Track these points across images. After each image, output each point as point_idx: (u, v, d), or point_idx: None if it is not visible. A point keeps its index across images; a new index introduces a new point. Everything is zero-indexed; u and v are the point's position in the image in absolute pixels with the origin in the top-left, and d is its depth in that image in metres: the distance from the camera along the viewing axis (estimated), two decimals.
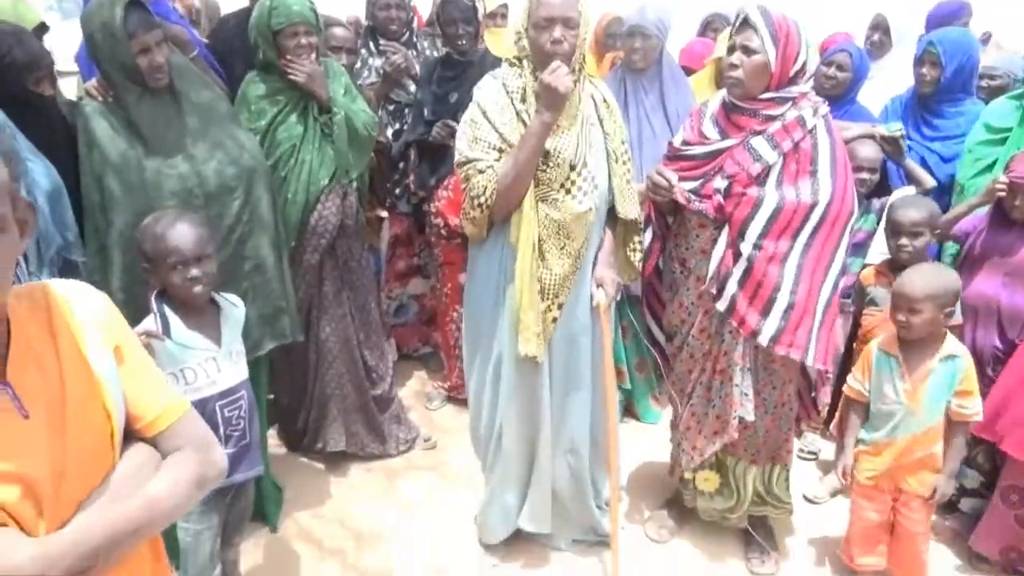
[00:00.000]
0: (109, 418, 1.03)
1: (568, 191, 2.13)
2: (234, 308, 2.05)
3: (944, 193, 3.14)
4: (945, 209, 2.94)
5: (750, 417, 2.35)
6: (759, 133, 2.16)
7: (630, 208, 2.30)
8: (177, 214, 1.94)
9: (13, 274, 0.91)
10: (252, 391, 2.10)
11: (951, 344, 2.27)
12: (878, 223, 2.95)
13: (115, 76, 2.10)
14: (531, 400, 2.33)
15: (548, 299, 2.19)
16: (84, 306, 1.05)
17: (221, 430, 1.96)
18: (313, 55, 2.58)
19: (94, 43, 2.08)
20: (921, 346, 2.27)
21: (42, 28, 2.98)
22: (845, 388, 2.47)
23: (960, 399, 2.26)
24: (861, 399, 2.41)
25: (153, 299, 1.91)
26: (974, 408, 2.27)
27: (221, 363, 1.96)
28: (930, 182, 3.11)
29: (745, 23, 2.11)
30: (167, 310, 1.90)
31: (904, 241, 2.64)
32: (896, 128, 3.04)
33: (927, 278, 2.25)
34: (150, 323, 1.87)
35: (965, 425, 2.30)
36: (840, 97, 3.23)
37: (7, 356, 0.94)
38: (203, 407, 1.88)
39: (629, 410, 3.52)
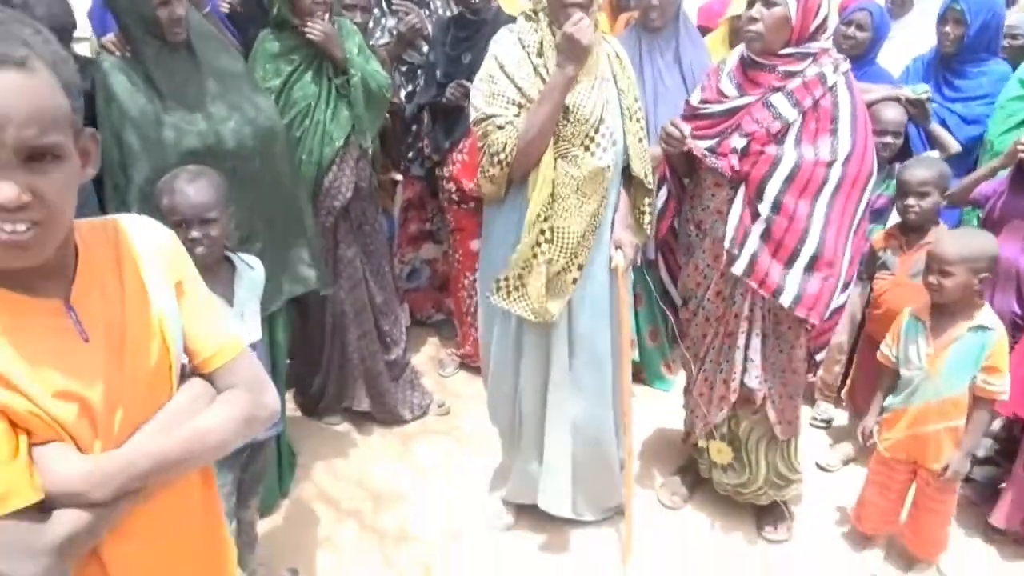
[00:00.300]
0: (168, 351, 1.07)
1: (587, 148, 2.11)
2: (250, 269, 2.05)
3: (966, 156, 3.09)
4: (967, 171, 2.89)
5: (753, 384, 2.35)
6: (778, 90, 2.14)
7: (641, 166, 2.27)
8: (193, 174, 1.93)
9: (76, 200, 0.94)
10: (268, 352, 2.10)
11: (986, 316, 2.21)
12: None
13: (134, 29, 2.10)
14: (547, 367, 2.32)
15: (566, 258, 2.16)
16: (150, 240, 1.09)
17: None
18: (327, 14, 2.55)
19: None
20: (952, 312, 2.23)
21: None
22: (878, 354, 2.43)
23: (986, 374, 2.19)
24: (890, 364, 2.39)
25: None
26: (1000, 386, 2.20)
27: (232, 323, 1.95)
28: (955, 147, 3.06)
29: None
30: None
31: (911, 201, 2.61)
32: (922, 90, 2.99)
33: (962, 240, 2.21)
34: None
35: (989, 403, 2.23)
36: (859, 57, 3.18)
37: (73, 281, 0.99)
38: None
39: (638, 376, 3.51)
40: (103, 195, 2.18)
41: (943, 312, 2.24)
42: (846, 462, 3.03)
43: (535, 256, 2.13)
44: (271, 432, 2.12)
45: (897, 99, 2.98)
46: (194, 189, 1.88)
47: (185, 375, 1.12)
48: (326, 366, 3.06)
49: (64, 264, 0.98)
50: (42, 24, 0.94)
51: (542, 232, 2.12)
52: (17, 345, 0.93)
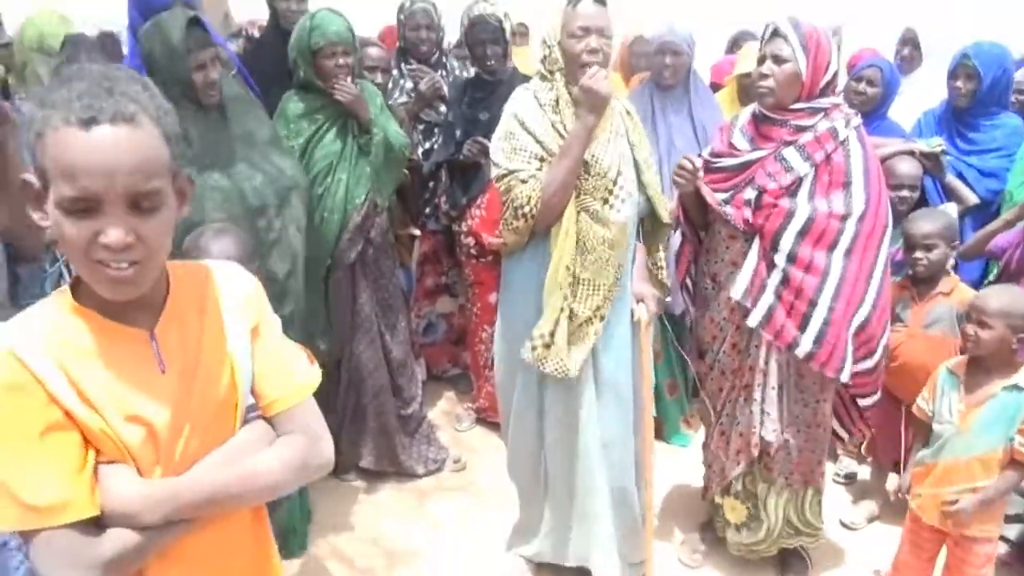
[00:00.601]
0: (235, 389, 1.14)
1: (606, 201, 2.16)
2: None
3: (985, 208, 3.10)
4: (985, 223, 2.89)
5: (769, 437, 2.34)
6: (790, 144, 2.18)
7: (665, 212, 2.33)
8: (217, 231, 1.99)
9: (171, 239, 1.05)
10: None
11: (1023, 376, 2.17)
12: None
13: (170, 91, 2.18)
14: (574, 421, 2.32)
15: (591, 311, 2.18)
16: (235, 286, 1.18)
17: None
18: (350, 76, 2.66)
19: (152, 58, 2.18)
20: (988, 369, 2.19)
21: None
22: (914, 408, 2.40)
23: (1023, 437, 2.12)
24: (925, 418, 2.35)
25: None
26: None
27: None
28: (972, 199, 3.08)
29: (775, 33, 2.16)
30: None
31: (919, 255, 2.61)
32: (936, 143, 3.03)
33: (1007, 294, 2.19)
34: None
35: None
36: (871, 113, 3.24)
37: (160, 314, 1.08)
38: None
39: (657, 432, 3.46)
40: None
41: (979, 368, 2.21)
42: (871, 520, 2.98)
43: (562, 310, 2.16)
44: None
45: (911, 153, 3.01)
46: (218, 247, 1.93)
47: (248, 419, 1.18)
48: (340, 420, 3.07)
49: (155, 298, 1.08)
50: None
51: (569, 285, 2.15)
52: (103, 368, 1.02)
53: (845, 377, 2.24)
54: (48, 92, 0.96)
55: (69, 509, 0.98)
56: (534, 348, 2.19)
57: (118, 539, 1.01)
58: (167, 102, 1.04)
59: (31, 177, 0.98)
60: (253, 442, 1.15)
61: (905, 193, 2.94)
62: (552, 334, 2.17)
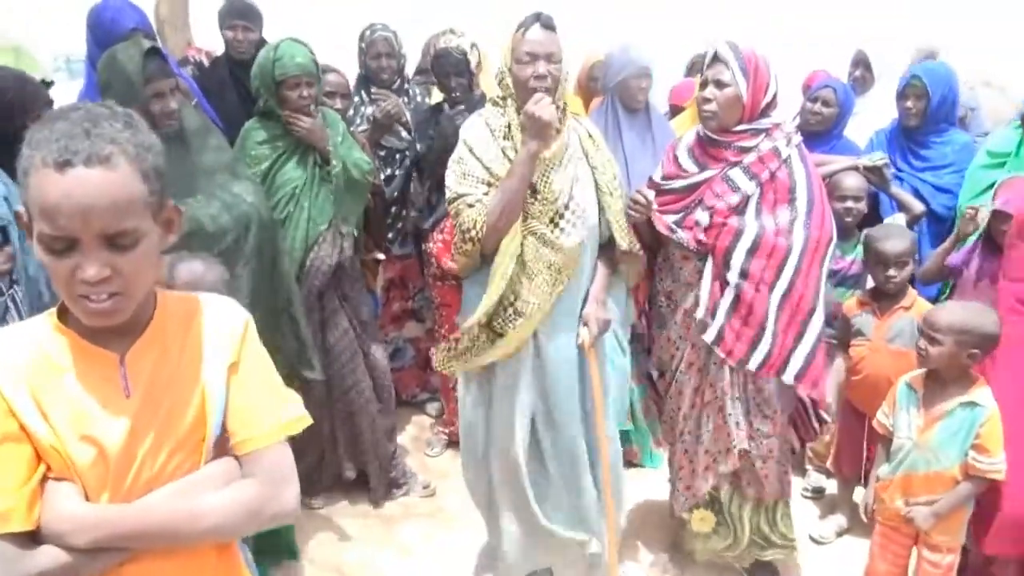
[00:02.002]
0: (203, 423, 1.15)
1: (556, 224, 2.24)
2: None
3: (942, 222, 3.24)
4: (944, 238, 3.01)
5: (745, 446, 2.43)
6: (736, 164, 2.30)
7: (627, 239, 2.40)
8: (188, 259, 2.03)
9: (155, 267, 1.11)
10: None
11: (980, 393, 2.26)
12: None
13: None
14: (514, 437, 2.39)
15: (528, 332, 2.27)
16: (220, 320, 1.21)
17: None
18: (313, 105, 2.75)
19: (110, 87, 2.24)
20: (944, 385, 2.29)
21: (46, 85, 3.15)
22: (874, 422, 2.49)
23: (976, 452, 2.22)
24: (886, 432, 2.44)
25: None
26: (992, 465, 2.21)
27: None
28: (919, 207, 3.23)
29: (716, 58, 2.28)
30: None
31: (892, 272, 2.72)
32: (878, 157, 3.16)
33: (959, 311, 2.27)
34: None
35: (980, 480, 2.24)
36: (827, 132, 3.40)
37: (136, 340, 1.12)
38: None
39: (633, 456, 3.52)
40: None
41: (936, 382, 2.30)
42: (840, 533, 3.06)
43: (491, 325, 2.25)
44: None
45: (856, 168, 3.15)
46: (188, 272, 1.98)
47: (227, 451, 1.19)
48: (322, 444, 3.12)
49: (135, 324, 1.12)
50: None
51: (509, 307, 2.24)
52: (67, 386, 1.08)
53: (787, 378, 2.34)
54: (35, 131, 1.02)
55: (3, 521, 1.02)
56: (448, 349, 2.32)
57: (48, 557, 1.05)
58: (152, 137, 1.08)
59: (22, 209, 1.05)
60: (209, 479, 1.14)
61: (850, 204, 3.08)
62: (474, 340, 2.28)
